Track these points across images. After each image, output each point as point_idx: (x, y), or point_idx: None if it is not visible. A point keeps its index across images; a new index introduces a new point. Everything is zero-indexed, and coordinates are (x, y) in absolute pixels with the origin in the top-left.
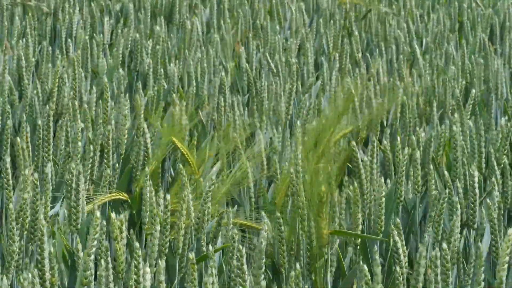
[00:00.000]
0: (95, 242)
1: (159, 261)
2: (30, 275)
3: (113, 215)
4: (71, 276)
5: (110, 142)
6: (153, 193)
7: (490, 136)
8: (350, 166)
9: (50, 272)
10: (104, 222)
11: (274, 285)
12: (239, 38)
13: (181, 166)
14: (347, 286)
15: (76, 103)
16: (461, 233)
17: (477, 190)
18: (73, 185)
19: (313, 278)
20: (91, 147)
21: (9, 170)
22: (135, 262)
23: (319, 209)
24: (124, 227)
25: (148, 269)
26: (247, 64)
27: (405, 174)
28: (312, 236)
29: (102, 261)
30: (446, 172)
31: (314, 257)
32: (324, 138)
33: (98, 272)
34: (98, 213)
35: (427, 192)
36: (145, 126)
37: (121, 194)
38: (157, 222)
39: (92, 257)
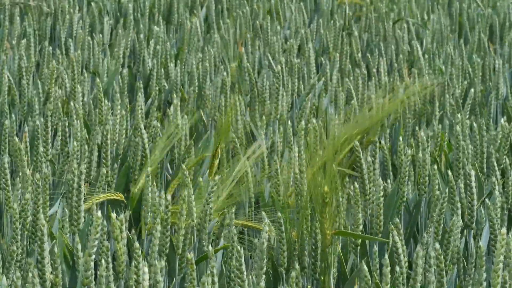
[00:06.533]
0: (96, 242)
1: (156, 262)
2: (30, 275)
3: (113, 215)
4: (72, 276)
5: (109, 141)
6: (156, 193)
7: (490, 136)
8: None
9: (54, 273)
10: (105, 222)
11: (276, 285)
12: (240, 38)
13: (184, 166)
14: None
15: (72, 103)
16: (462, 233)
17: (474, 190)
18: (75, 185)
19: (321, 278)
20: (87, 147)
21: (7, 170)
22: (135, 262)
23: (322, 210)
24: (124, 227)
25: (146, 269)
26: (248, 64)
27: (407, 174)
28: (317, 236)
29: (103, 261)
30: (450, 172)
31: (321, 258)
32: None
33: (98, 272)
34: (99, 213)
35: (431, 192)
36: (142, 126)
37: (116, 195)
38: (158, 222)
39: (93, 257)
